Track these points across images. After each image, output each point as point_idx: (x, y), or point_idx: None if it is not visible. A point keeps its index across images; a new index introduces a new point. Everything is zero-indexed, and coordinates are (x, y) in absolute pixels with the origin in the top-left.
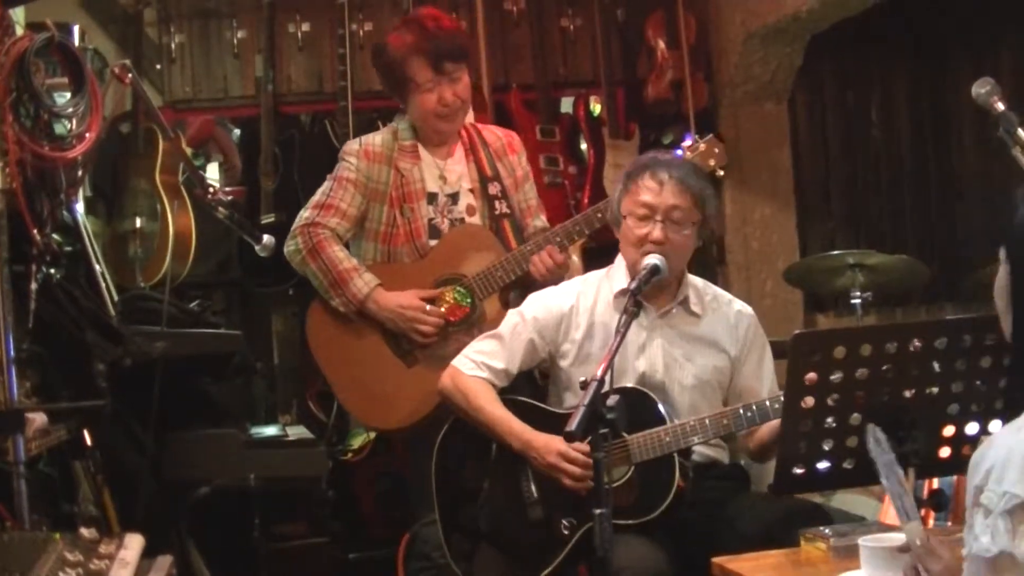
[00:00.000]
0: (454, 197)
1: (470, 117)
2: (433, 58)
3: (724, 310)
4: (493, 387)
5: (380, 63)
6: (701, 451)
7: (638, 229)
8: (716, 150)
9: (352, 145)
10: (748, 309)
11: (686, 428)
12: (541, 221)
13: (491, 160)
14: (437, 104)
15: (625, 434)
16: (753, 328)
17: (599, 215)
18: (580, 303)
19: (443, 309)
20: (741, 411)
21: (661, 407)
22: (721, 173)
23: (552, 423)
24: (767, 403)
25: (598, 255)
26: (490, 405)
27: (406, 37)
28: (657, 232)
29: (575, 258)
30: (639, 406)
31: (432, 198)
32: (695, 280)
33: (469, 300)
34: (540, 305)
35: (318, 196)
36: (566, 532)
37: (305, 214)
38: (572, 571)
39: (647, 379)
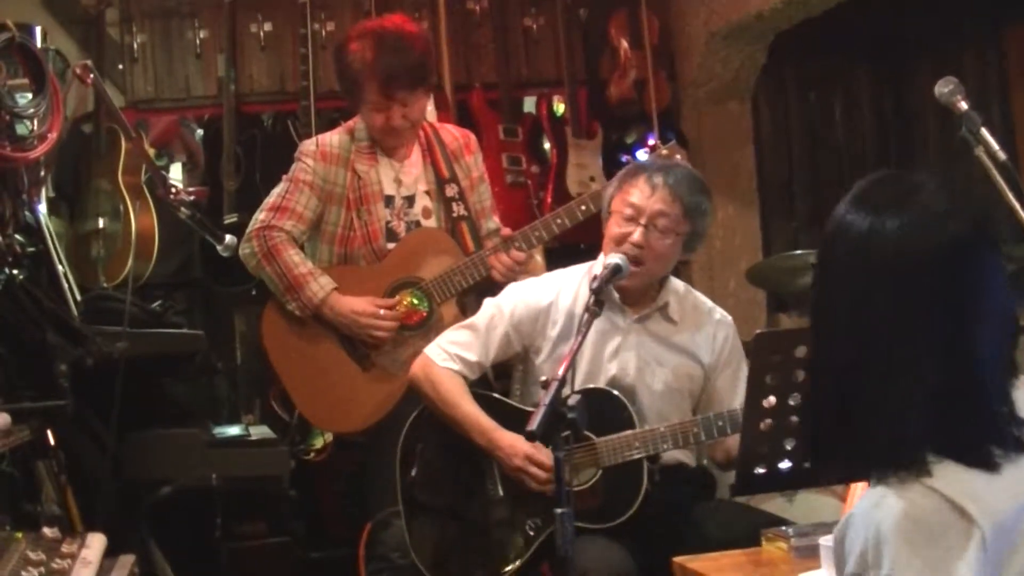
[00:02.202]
0: (410, 200)
1: (432, 116)
2: (385, 83)
3: (703, 319)
4: (464, 380)
5: (337, 67)
6: (668, 453)
7: (620, 227)
8: (678, 156)
9: (308, 146)
10: (728, 319)
11: (655, 435)
12: (494, 223)
13: (448, 161)
14: (384, 123)
15: (593, 436)
16: (732, 339)
17: (559, 220)
18: (559, 299)
19: (403, 310)
20: (712, 419)
21: (630, 409)
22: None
23: (520, 420)
24: (738, 412)
25: (561, 256)
26: (459, 399)
27: (366, 53)
28: (637, 236)
29: (538, 258)
30: (608, 407)
31: (389, 201)
32: (677, 285)
33: (426, 304)
34: (519, 298)
35: (273, 198)
36: (531, 532)
37: (260, 216)
38: (534, 570)
39: (618, 382)
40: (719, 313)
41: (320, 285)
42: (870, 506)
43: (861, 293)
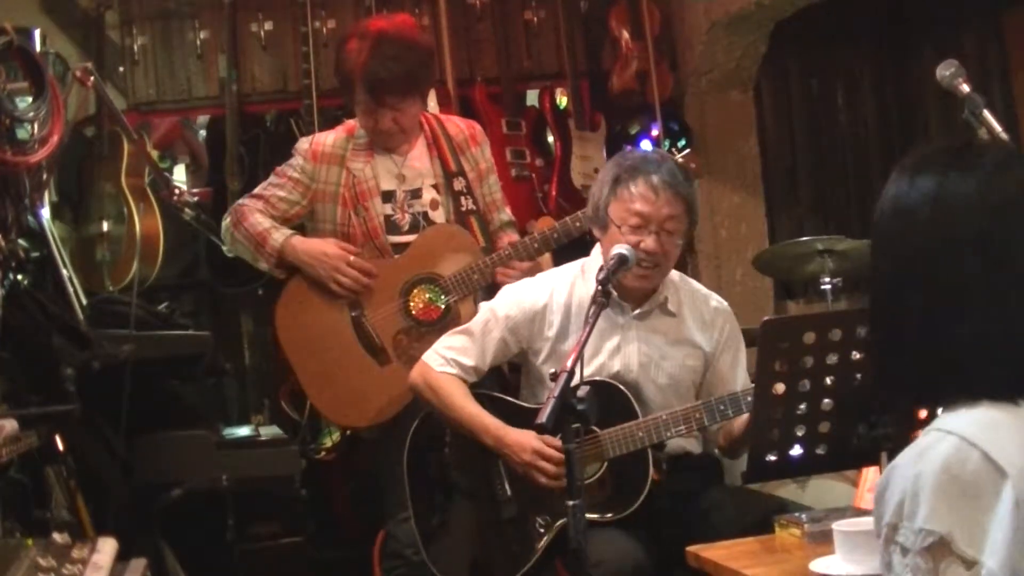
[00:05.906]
0: (415, 192)
1: (435, 110)
2: (374, 89)
3: (700, 307)
4: (464, 383)
5: (335, 62)
6: (673, 442)
7: (630, 238)
8: (692, 165)
9: (302, 143)
10: (725, 305)
11: (659, 423)
12: (506, 215)
13: (455, 154)
14: (373, 126)
15: (597, 429)
16: (730, 326)
17: (578, 224)
18: (554, 299)
19: (420, 306)
20: (714, 404)
21: (632, 400)
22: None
23: (524, 418)
24: (740, 395)
25: (566, 247)
26: (462, 402)
27: (361, 55)
28: (651, 242)
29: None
30: (610, 400)
31: (388, 196)
32: (672, 276)
33: (443, 301)
34: (512, 301)
35: (257, 188)
36: (541, 530)
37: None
38: (548, 566)
39: (621, 378)
40: (715, 300)
41: (282, 233)
42: (912, 458)
43: (936, 255)
